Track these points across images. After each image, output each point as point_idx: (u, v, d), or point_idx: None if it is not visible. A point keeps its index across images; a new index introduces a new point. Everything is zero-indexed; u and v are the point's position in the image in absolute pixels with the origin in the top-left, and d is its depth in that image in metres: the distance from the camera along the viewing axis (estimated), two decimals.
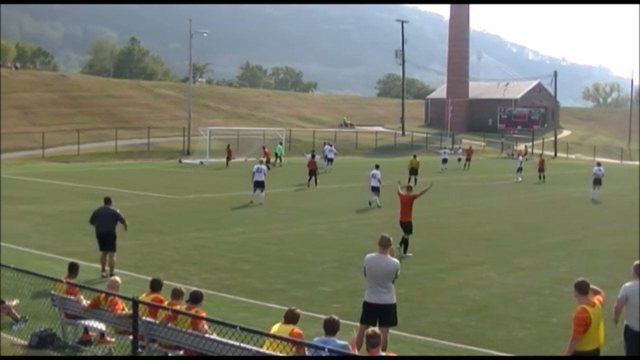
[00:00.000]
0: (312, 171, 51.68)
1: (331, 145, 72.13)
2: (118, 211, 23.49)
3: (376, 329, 12.10)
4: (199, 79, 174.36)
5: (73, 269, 16.46)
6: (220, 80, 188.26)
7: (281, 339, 10.60)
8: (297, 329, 12.09)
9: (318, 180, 52.00)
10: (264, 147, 73.36)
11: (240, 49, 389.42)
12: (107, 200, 23.74)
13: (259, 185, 41.64)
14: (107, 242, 22.73)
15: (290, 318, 12.32)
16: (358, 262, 17.60)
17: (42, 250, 25.92)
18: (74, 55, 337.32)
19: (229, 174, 60.59)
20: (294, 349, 10.89)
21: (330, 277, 22.89)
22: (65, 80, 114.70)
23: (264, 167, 43.22)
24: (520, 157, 67.93)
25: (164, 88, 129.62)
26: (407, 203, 27.22)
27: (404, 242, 26.90)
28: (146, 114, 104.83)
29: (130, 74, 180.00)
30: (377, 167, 43.05)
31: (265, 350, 11.10)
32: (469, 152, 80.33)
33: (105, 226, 22.79)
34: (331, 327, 11.89)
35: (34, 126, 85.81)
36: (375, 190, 41.93)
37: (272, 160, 70.61)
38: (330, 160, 67.80)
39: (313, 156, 53.65)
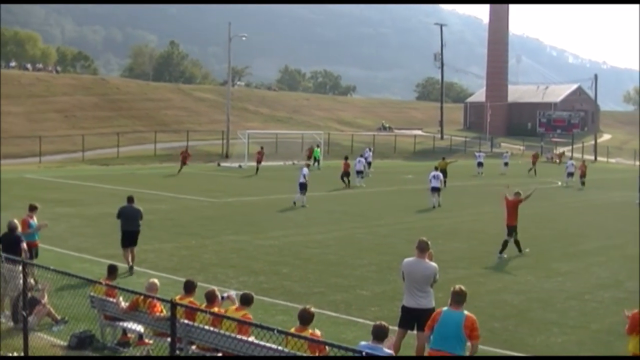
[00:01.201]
0: (346, 172, 52.47)
1: (370, 150, 71.90)
2: (141, 209, 24.20)
3: (463, 288, 12.31)
4: (238, 82, 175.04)
5: (112, 270, 16.54)
6: (259, 84, 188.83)
7: (318, 342, 10.57)
8: (316, 331, 12.19)
9: (351, 182, 52.47)
10: (310, 149, 73.77)
11: (278, 53, 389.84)
12: (131, 199, 24.42)
13: (302, 187, 41.90)
14: (133, 240, 23.69)
15: (306, 319, 12.25)
16: (397, 266, 17.52)
17: (81, 252, 26.08)
18: (114, 59, 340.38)
19: (267, 177, 60.59)
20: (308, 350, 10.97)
21: (369, 280, 22.80)
22: (106, 83, 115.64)
23: (306, 170, 43.28)
24: (569, 162, 67.37)
25: (203, 91, 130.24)
26: (513, 207, 28.15)
27: (504, 244, 27.70)
28: (185, 117, 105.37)
29: (169, 77, 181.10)
30: (436, 168, 44.55)
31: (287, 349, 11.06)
32: (535, 157, 78.78)
33: (133, 225, 23.58)
34: (380, 334, 11.92)
35: (74, 129, 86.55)
36: (436, 190, 43.03)
37: (310, 163, 70.74)
38: (369, 164, 67.66)
39: (346, 158, 54.40)
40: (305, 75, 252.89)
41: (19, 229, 19.03)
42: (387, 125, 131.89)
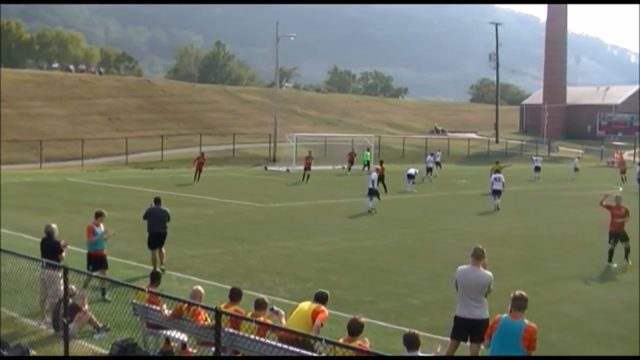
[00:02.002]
0: (381, 177, 51.99)
1: (432, 155, 70.76)
2: (168, 210, 24.66)
3: (524, 294, 12.31)
4: (286, 84, 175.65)
5: (156, 277, 16.61)
6: (308, 85, 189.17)
7: (367, 352, 10.49)
8: (365, 341, 12.19)
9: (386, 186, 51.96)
10: (351, 153, 73.68)
11: (327, 53, 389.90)
12: (158, 200, 24.93)
13: (371, 193, 41.95)
14: (159, 242, 24.06)
15: (355, 329, 12.21)
16: (448, 273, 17.40)
17: (124, 258, 26.21)
18: (159, 60, 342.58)
19: (316, 182, 60.51)
20: None
21: (419, 289, 22.69)
22: (150, 85, 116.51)
23: (374, 174, 43.17)
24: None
25: (250, 93, 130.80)
26: (618, 214, 28.00)
27: (626, 252, 27.79)
28: (231, 120, 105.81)
29: (215, 79, 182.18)
30: (497, 170, 44.71)
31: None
32: (621, 162, 77.38)
33: (160, 226, 23.92)
34: (413, 342, 11.88)
35: (117, 132, 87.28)
36: (497, 193, 43.95)
37: (360, 167, 70.65)
38: (430, 169, 66.90)
39: (381, 162, 54.07)
40: (355, 77, 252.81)
41: (57, 233, 19.02)
42: (439, 128, 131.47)
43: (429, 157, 68.81)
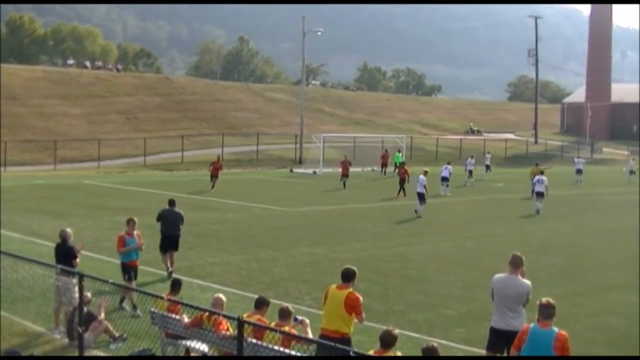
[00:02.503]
0: (402, 180, 51.73)
1: (472, 157, 70.08)
2: (182, 213, 24.94)
3: (552, 301, 12.27)
4: (313, 82, 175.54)
5: (175, 285, 16.63)
6: (336, 83, 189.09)
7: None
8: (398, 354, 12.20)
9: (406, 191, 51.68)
10: (384, 154, 73.59)
11: (356, 49, 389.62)
12: (172, 202, 25.19)
13: (421, 197, 42.23)
14: (172, 244, 24.38)
15: (388, 342, 12.20)
16: (485, 282, 17.34)
17: (142, 264, 26.19)
18: (179, 57, 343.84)
19: (346, 185, 60.51)
20: None
21: (454, 299, 22.63)
22: (170, 83, 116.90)
23: (422, 177, 43.09)
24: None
25: (275, 91, 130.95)
26: None
27: None
28: (255, 120, 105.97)
29: (238, 76, 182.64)
30: (542, 172, 45.39)
31: None
32: None
33: (174, 229, 24.13)
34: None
35: (136, 132, 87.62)
36: (540, 195, 44.49)
37: (391, 169, 70.51)
38: (471, 172, 66.22)
39: (403, 164, 53.80)
40: (386, 74, 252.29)
41: (71, 239, 18.94)
42: (475, 129, 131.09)
43: (469, 159, 68.02)
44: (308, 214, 42.43)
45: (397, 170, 68.86)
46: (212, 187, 53.05)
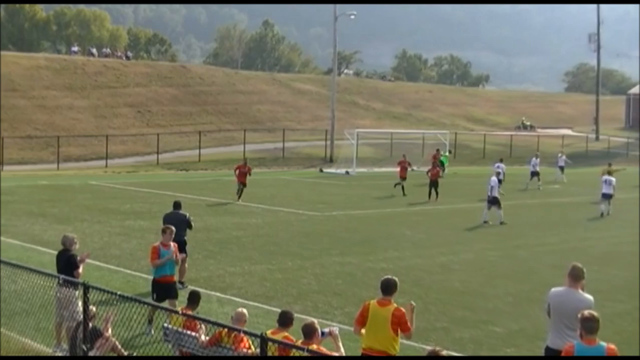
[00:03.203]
0: (433, 182, 51.36)
1: (537, 157, 69.06)
2: (188, 215, 25.05)
3: (595, 313, 12.16)
4: (346, 71, 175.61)
5: (193, 298, 16.57)
6: (371, 73, 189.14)
7: None
8: None
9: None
10: (436, 153, 73.12)
11: (394, 35, 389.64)
12: (177, 205, 25.49)
13: (494, 202, 42.10)
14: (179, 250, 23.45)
15: None
16: (539, 297, 17.28)
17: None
18: (197, 43, 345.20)
19: (380, 186, 60.39)
20: None
21: (503, 315, 22.55)
22: (186, 72, 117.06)
23: (495, 179, 42.95)
24: None
25: (303, 82, 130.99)
26: None
27: None
28: (281, 114, 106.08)
29: (262, 65, 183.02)
30: (610, 173, 45.87)
31: None
32: None
33: (178, 234, 23.51)
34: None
35: (148, 127, 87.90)
36: (607, 197, 45.58)
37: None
38: (536, 174, 64.95)
39: (435, 165, 53.57)
40: (427, 62, 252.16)
41: (76, 246, 18.81)
42: (527, 124, 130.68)
43: (533, 159, 66.80)
44: (339, 219, 42.38)
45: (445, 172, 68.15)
46: (239, 197, 48.27)
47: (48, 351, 17.32)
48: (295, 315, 15.30)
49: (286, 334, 14.26)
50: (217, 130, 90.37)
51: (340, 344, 14.04)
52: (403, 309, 13.99)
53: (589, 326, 11.80)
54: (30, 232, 33.98)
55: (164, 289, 20.20)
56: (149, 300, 18.93)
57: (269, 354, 11.32)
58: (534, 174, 64.34)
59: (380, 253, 31.74)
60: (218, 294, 23.64)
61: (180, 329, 15.12)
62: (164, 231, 20.87)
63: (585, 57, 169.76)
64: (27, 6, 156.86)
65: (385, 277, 14.70)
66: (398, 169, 58.20)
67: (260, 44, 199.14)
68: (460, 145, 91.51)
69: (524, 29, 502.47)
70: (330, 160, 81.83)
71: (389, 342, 13.93)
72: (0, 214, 36.29)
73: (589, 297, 14.15)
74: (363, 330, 14.26)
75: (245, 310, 15.49)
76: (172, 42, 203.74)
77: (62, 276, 16.00)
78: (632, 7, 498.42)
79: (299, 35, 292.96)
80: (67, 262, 18.03)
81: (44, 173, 64.22)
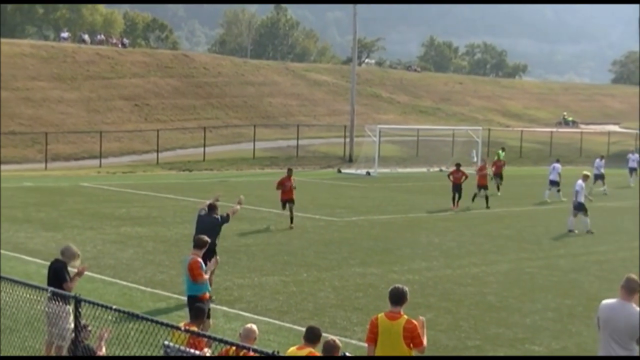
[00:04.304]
0: (457, 186, 50.40)
1: (602, 158, 67.84)
2: (218, 217, 25.30)
3: None
4: (367, 60, 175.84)
5: (198, 313, 16.59)
6: (395, 62, 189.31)
7: None
8: None
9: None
10: (497, 161, 72.55)
11: (421, 20, 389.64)
12: (211, 207, 25.87)
13: (580, 208, 41.76)
14: (206, 257, 23.13)
15: None
16: (583, 312, 17.25)
17: (154, 287, 26.36)
18: (201, 29, 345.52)
19: (405, 189, 60.44)
20: None
21: (543, 332, 22.51)
22: (189, 61, 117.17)
23: (581, 182, 42.56)
24: None
25: (320, 72, 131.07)
26: None
27: None
28: (295, 108, 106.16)
29: (274, 53, 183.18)
30: None
31: None
32: None
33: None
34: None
35: (146, 122, 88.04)
36: None
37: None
38: (600, 177, 63.79)
39: (458, 165, 52.14)
40: (457, 51, 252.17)
41: (77, 262, 18.45)
42: (570, 119, 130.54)
43: (597, 160, 65.49)
44: (360, 225, 42.38)
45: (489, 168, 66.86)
46: (291, 221, 40.61)
47: None
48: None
49: (312, 349, 14.27)
50: (223, 126, 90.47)
51: None
52: (415, 321, 14.00)
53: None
54: (14, 240, 33.91)
55: (200, 308, 19.62)
56: (147, 315, 18.95)
57: None
58: (598, 176, 62.77)
59: (406, 263, 31.74)
60: (225, 308, 23.68)
61: (183, 347, 15.14)
62: (199, 245, 20.70)
63: (635, 45, 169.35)
64: None
65: (394, 285, 14.73)
66: (493, 167, 57.61)
67: (272, 29, 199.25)
68: (494, 142, 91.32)
69: (567, 13, 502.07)
70: (350, 160, 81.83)
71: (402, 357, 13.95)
72: None
73: None
74: None
75: (255, 327, 15.49)
76: (173, 27, 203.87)
77: (50, 288, 15.99)
78: None
79: (315, 20, 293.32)
80: (55, 273, 17.78)
81: (30, 174, 64.30)
